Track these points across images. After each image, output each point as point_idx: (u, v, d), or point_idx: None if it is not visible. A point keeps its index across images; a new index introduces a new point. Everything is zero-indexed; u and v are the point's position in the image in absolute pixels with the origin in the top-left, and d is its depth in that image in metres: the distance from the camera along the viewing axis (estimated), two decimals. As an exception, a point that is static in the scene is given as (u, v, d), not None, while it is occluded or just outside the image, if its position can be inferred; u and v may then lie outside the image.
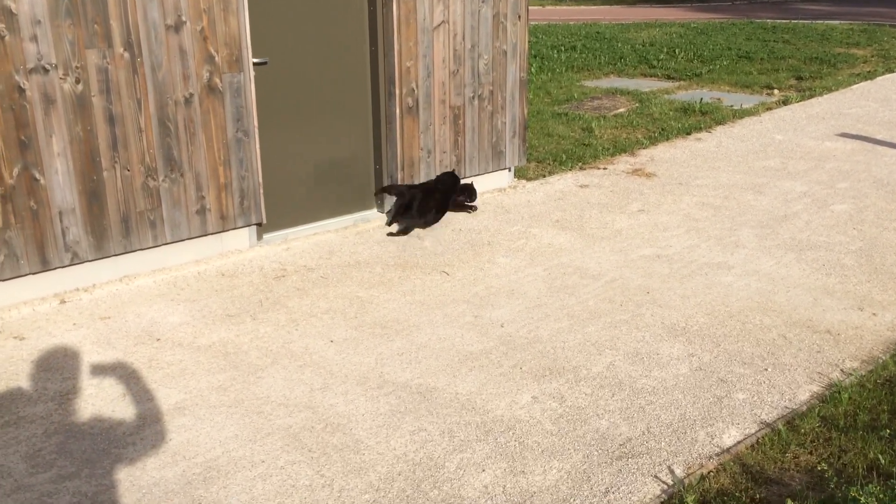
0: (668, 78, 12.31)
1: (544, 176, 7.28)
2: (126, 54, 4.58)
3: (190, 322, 4.35)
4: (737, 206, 6.36)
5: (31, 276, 4.51)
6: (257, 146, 5.22)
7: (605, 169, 7.49)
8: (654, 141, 8.52)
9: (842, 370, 3.83)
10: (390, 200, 6.13)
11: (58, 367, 3.87)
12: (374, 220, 5.99)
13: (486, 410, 3.51)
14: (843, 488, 2.88)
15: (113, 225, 4.72)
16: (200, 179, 5.02)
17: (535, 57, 14.00)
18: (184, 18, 4.74)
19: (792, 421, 3.39)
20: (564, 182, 7.10)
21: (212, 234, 5.17)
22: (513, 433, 3.34)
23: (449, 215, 6.09)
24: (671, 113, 9.79)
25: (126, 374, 3.80)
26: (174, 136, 4.85)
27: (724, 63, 13.17)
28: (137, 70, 4.63)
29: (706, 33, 16.97)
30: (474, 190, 6.30)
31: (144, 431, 3.36)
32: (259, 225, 5.42)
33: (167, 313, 4.45)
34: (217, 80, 4.95)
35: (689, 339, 4.15)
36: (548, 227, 5.90)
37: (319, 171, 5.77)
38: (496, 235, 5.74)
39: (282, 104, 5.46)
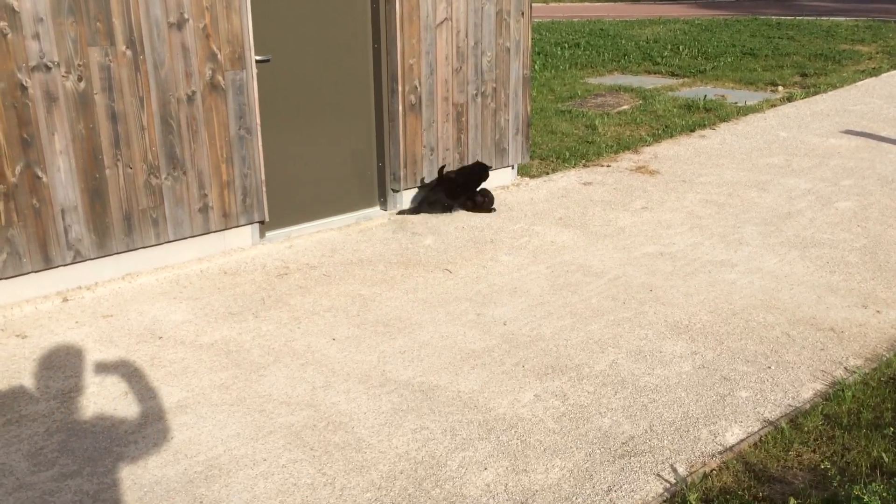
0: (672, 75, 12.27)
1: (547, 173, 7.27)
2: (128, 52, 4.57)
3: (192, 320, 4.35)
4: (740, 203, 6.34)
5: (33, 274, 4.52)
6: (260, 144, 5.22)
7: (608, 166, 7.47)
8: (657, 138, 8.50)
9: (845, 368, 3.81)
10: (393, 199, 6.13)
11: (60, 366, 3.87)
12: (376, 218, 5.99)
13: (488, 409, 3.50)
14: (847, 487, 2.87)
15: (115, 223, 4.72)
16: (203, 177, 5.02)
17: (538, 54, 13.98)
18: (186, 16, 4.73)
19: (795, 419, 3.38)
20: (568, 179, 7.09)
21: (214, 231, 5.17)
22: (515, 431, 3.34)
23: (451, 214, 6.08)
24: (675, 110, 9.77)
25: (128, 373, 3.80)
26: (177, 134, 4.85)
27: (729, 60, 13.13)
28: (140, 68, 4.63)
29: (710, 30, 16.93)
30: (489, 192, 6.29)
31: (146, 430, 3.36)
32: (262, 223, 5.42)
33: (169, 311, 4.45)
34: (219, 78, 4.95)
35: (692, 337, 4.14)
36: (551, 225, 5.89)
37: (322, 168, 5.77)
38: (499, 233, 5.73)
39: (284, 102, 5.46)
